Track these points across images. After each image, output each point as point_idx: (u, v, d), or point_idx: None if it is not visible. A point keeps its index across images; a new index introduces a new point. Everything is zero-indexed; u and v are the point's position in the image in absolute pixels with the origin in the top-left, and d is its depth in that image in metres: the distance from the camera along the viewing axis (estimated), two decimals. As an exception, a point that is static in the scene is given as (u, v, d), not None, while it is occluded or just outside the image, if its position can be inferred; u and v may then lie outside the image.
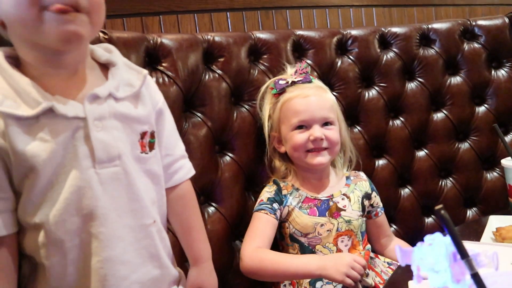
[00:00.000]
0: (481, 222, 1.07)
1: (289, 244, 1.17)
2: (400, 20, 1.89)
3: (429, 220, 1.48)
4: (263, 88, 1.26)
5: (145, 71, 0.81)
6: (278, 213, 1.16)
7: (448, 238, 0.55)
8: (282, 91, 1.21)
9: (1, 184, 0.67)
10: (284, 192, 1.18)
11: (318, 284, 1.11)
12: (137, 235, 0.75)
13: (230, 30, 1.57)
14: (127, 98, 0.76)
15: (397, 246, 0.55)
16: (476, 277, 0.52)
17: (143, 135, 0.77)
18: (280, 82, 1.23)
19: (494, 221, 1.03)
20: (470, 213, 1.50)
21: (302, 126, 1.16)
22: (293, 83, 1.21)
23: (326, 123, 1.17)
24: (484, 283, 0.53)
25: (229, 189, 1.22)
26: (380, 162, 1.45)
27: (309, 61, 1.38)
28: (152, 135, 0.80)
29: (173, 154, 0.87)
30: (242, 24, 1.59)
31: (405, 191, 1.47)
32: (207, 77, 1.22)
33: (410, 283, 0.81)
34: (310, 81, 1.23)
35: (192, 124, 1.18)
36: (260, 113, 1.25)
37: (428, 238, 0.56)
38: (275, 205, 1.16)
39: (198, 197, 1.17)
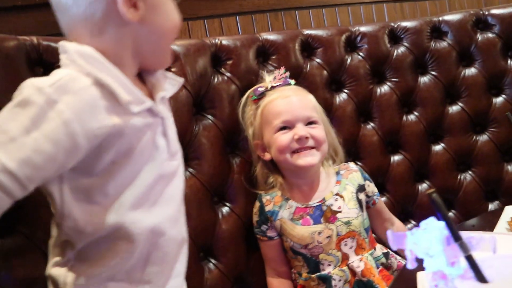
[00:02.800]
0: (497, 213, 1.05)
1: (293, 257, 1.16)
2: (413, 14, 1.87)
3: (449, 215, 1.45)
4: (243, 99, 1.23)
5: (181, 80, 0.86)
6: (270, 232, 1.16)
7: (442, 223, 0.54)
8: (261, 96, 1.19)
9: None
10: (268, 207, 1.15)
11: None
12: (183, 218, 0.83)
13: (240, 34, 1.60)
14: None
15: (389, 231, 0.55)
16: (469, 259, 0.52)
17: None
18: (259, 89, 1.20)
19: (510, 211, 1.01)
20: (492, 206, 1.47)
21: (285, 127, 1.12)
22: (272, 87, 1.19)
23: (309, 123, 1.13)
24: (480, 265, 0.53)
25: (242, 188, 1.23)
26: (396, 158, 1.44)
27: (318, 60, 1.38)
28: None
29: None
30: (251, 27, 1.61)
31: (423, 186, 1.45)
32: (216, 80, 1.24)
33: (419, 274, 0.80)
34: (289, 84, 1.21)
35: (203, 127, 1.20)
36: (242, 124, 1.23)
37: (422, 223, 0.56)
38: (263, 227, 1.16)
39: (211, 198, 1.20)
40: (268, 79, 1.22)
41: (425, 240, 0.54)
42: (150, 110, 0.74)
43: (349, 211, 1.13)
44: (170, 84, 0.84)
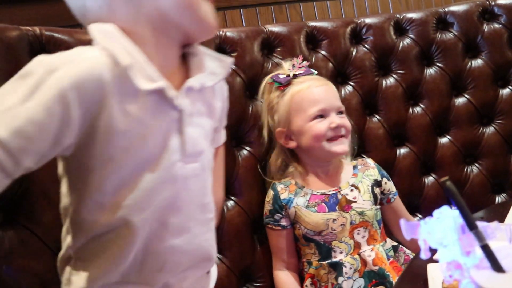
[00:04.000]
0: (506, 204, 1.03)
1: (304, 244, 1.16)
2: (417, 6, 1.86)
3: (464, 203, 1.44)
4: (262, 86, 1.23)
5: (230, 59, 0.77)
6: (283, 221, 1.16)
7: (456, 211, 0.53)
8: (287, 83, 1.19)
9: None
10: (283, 196, 1.16)
11: (340, 279, 1.10)
12: (201, 228, 0.75)
13: (244, 27, 1.58)
14: (210, 88, 0.74)
15: (402, 220, 0.54)
16: (485, 248, 0.51)
17: (214, 130, 0.77)
18: (280, 76, 1.20)
19: (520, 202, 1.00)
20: (499, 199, 1.46)
21: (319, 116, 1.14)
22: (295, 76, 1.19)
23: (339, 112, 1.16)
24: (496, 255, 0.51)
25: (247, 182, 1.22)
26: (402, 150, 1.43)
27: (323, 52, 1.37)
28: (216, 129, 0.79)
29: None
30: (256, 20, 1.59)
31: (429, 179, 1.44)
32: (220, 72, 1.22)
33: (429, 266, 0.79)
34: (313, 74, 1.22)
35: (208, 120, 1.19)
36: (261, 112, 1.23)
37: (436, 212, 0.55)
38: (277, 216, 1.16)
39: (216, 191, 1.19)
40: (287, 66, 1.22)
41: (439, 230, 0.53)
42: (165, 101, 0.65)
43: (364, 202, 1.15)
44: (219, 66, 0.74)
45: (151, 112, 0.65)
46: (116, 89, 0.61)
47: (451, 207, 0.54)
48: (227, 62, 0.76)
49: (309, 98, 1.15)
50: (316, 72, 1.24)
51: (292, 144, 1.18)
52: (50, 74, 0.58)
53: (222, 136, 0.87)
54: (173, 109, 0.67)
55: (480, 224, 0.52)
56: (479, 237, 0.51)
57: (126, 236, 0.67)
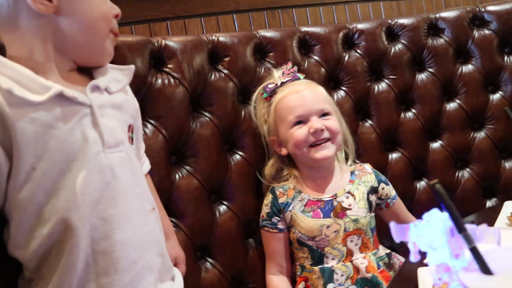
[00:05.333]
0: (497, 208, 1.04)
1: (298, 249, 1.16)
2: (409, 12, 1.87)
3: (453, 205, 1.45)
4: (254, 96, 1.24)
5: (132, 66, 0.86)
6: (280, 224, 1.16)
7: (445, 214, 0.54)
8: (272, 93, 1.20)
9: None
10: (282, 199, 1.16)
11: (330, 286, 1.10)
12: (143, 219, 0.78)
13: (237, 32, 1.59)
14: (118, 92, 0.82)
15: (391, 223, 0.54)
16: (474, 250, 0.51)
17: (129, 128, 0.83)
18: (269, 86, 1.21)
19: (510, 206, 1.01)
20: (489, 203, 1.46)
21: (300, 122, 1.13)
22: (282, 83, 1.20)
23: (323, 114, 1.15)
24: (484, 257, 0.52)
25: (240, 187, 1.22)
26: (394, 155, 1.43)
27: (316, 57, 1.38)
28: (132, 130, 0.85)
29: (140, 150, 0.95)
30: (248, 25, 1.60)
31: (421, 184, 1.45)
32: (213, 77, 1.23)
33: (419, 270, 0.79)
34: (298, 79, 1.22)
35: (200, 124, 1.19)
36: (255, 121, 1.24)
37: (425, 215, 0.55)
38: (275, 219, 1.16)
39: (208, 196, 1.19)
40: (277, 74, 1.23)
41: (429, 232, 0.53)
42: (69, 101, 0.70)
43: (359, 210, 1.14)
44: (121, 74, 0.84)
45: (61, 113, 0.69)
46: (11, 103, 0.65)
47: (441, 210, 0.54)
48: (130, 69, 0.86)
49: (287, 106, 1.15)
50: (302, 76, 1.24)
51: (284, 151, 1.18)
52: None
53: (146, 163, 0.98)
54: (82, 106, 0.72)
55: (469, 227, 0.52)
56: (468, 239, 0.51)
57: (69, 239, 0.69)
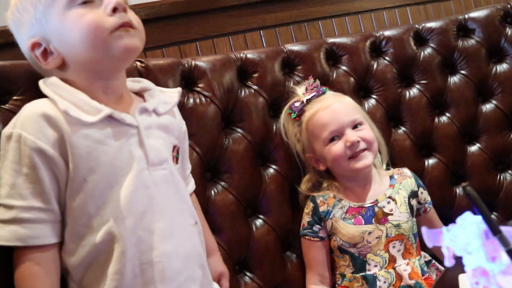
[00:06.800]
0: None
1: (339, 256, 1.16)
2: (437, 15, 1.85)
3: (486, 207, 1.40)
4: (282, 117, 1.25)
5: (179, 88, 0.92)
6: (321, 232, 1.16)
7: (479, 217, 0.53)
8: (301, 112, 1.20)
9: (49, 196, 0.74)
10: (322, 208, 1.16)
11: None
12: (186, 232, 0.83)
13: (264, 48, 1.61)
14: (166, 114, 0.88)
15: (423, 227, 0.53)
16: (511, 253, 0.50)
17: (173, 148, 0.87)
18: (296, 104, 1.21)
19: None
20: (535, 206, 1.41)
21: (334, 138, 1.14)
22: (308, 100, 1.20)
23: (356, 126, 1.15)
24: (522, 259, 0.51)
25: (275, 200, 1.23)
26: (430, 161, 1.41)
27: (344, 67, 1.38)
28: (178, 151, 0.89)
29: (186, 170, 0.99)
30: (276, 40, 1.62)
31: (461, 190, 1.41)
32: (243, 93, 1.25)
33: (460, 276, 0.78)
34: (324, 93, 1.21)
35: (233, 140, 1.21)
36: (286, 140, 1.24)
37: (459, 219, 0.55)
38: (316, 228, 1.16)
39: (244, 210, 1.20)
40: (300, 91, 1.23)
41: (462, 236, 0.53)
42: (119, 122, 0.78)
43: (400, 214, 1.13)
44: (168, 96, 0.89)
45: (111, 133, 0.77)
46: (69, 121, 0.74)
47: (474, 213, 0.53)
48: (177, 91, 0.92)
49: (318, 124, 1.15)
50: (326, 89, 1.23)
51: (322, 167, 1.19)
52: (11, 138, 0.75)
53: (191, 183, 1.02)
54: (129, 127, 0.79)
55: (504, 229, 0.51)
56: (504, 241, 0.50)
57: (115, 249, 0.74)
